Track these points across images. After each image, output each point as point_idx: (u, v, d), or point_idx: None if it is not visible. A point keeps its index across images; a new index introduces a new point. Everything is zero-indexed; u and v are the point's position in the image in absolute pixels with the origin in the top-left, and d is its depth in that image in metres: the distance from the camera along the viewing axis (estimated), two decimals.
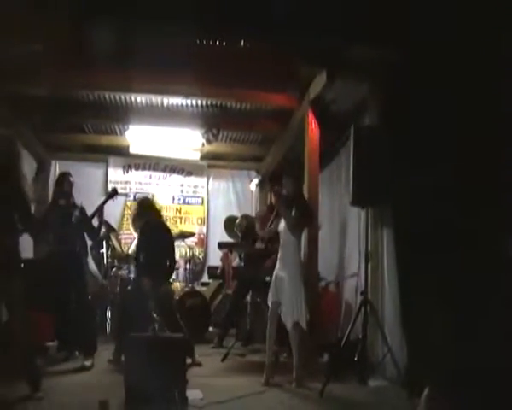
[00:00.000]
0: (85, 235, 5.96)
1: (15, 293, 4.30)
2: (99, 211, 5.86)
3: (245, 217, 7.80)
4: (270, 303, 5.24)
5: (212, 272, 9.19)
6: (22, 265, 4.56)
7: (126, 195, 10.09)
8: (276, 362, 5.46)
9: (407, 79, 5.11)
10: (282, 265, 5.21)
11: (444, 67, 4.68)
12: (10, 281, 4.25)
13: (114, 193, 6.10)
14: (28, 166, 8.42)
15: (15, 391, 4.37)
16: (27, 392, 4.30)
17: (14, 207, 4.30)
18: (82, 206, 5.89)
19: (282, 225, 5.26)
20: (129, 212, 9.70)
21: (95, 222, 5.93)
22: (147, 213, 6.21)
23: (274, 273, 5.28)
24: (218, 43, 6.02)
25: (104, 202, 5.91)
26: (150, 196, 8.04)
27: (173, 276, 8.00)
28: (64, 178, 6.02)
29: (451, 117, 4.57)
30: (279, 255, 5.29)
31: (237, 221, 7.98)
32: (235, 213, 9.46)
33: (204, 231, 10.32)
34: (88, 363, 5.50)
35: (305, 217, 5.33)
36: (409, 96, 5.08)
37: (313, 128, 6.51)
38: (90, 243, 6.31)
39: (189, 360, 5.71)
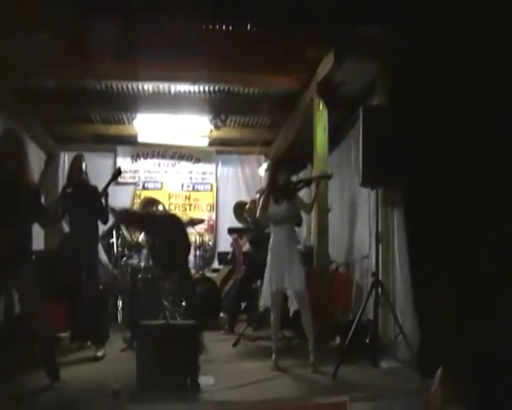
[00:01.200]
0: (98, 218, 5.92)
1: (27, 286, 4.33)
2: (104, 192, 5.80)
3: (254, 202, 7.76)
4: (271, 294, 5.17)
5: (223, 258, 9.19)
6: (33, 257, 4.58)
7: (135, 184, 10.10)
8: (287, 347, 5.46)
9: (416, 57, 5.04)
10: (287, 247, 5.16)
11: (453, 45, 4.61)
12: (21, 274, 4.27)
13: (118, 173, 5.99)
14: (37, 159, 8.47)
15: (34, 381, 4.42)
16: (47, 382, 4.36)
17: (23, 200, 4.30)
18: (94, 186, 5.86)
19: (283, 208, 5.21)
20: (138, 201, 9.72)
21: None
22: None
23: (273, 259, 5.21)
24: (224, 27, 5.96)
25: (109, 183, 5.81)
26: None
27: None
28: (75, 160, 5.97)
29: (461, 96, 4.50)
30: (280, 239, 5.21)
31: (247, 206, 7.95)
32: (245, 198, 9.42)
33: (213, 217, 10.32)
34: (100, 353, 5.51)
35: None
36: (418, 75, 5.02)
37: (321, 110, 6.46)
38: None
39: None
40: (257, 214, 5.40)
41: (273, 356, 5.21)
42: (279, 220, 5.21)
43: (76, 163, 5.93)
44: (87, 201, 5.69)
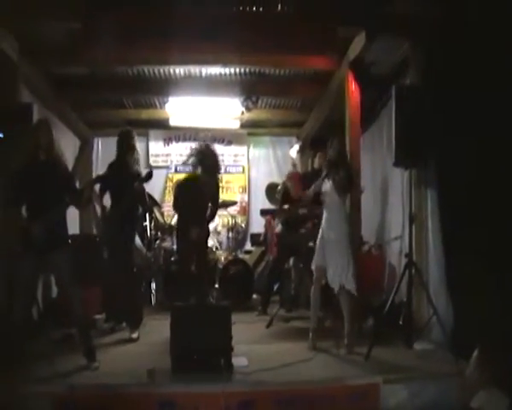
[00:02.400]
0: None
1: (63, 269, 4.44)
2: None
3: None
4: (314, 267, 5.19)
5: (255, 239, 9.22)
6: (69, 240, 4.68)
7: (167, 167, 10.15)
8: (320, 327, 5.46)
9: (449, 35, 4.94)
10: (328, 227, 5.14)
11: (487, 20, 4.50)
12: (58, 257, 4.38)
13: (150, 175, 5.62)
14: (72, 145, 8.61)
15: (72, 362, 4.52)
16: (84, 363, 4.48)
17: (58, 186, 4.41)
18: (138, 171, 5.79)
19: (327, 186, 5.18)
20: (171, 184, 9.79)
21: None
22: None
23: (319, 236, 5.21)
24: (254, 8, 5.92)
25: (143, 182, 5.64)
26: None
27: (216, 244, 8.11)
28: (120, 136, 5.92)
29: (496, 73, 4.40)
30: (324, 217, 5.22)
31: (278, 188, 7.94)
32: (277, 179, 9.40)
33: (246, 199, 10.31)
34: (134, 335, 5.61)
35: (351, 179, 5.27)
36: (451, 53, 4.92)
37: (353, 90, 6.37)
38: None
39: None
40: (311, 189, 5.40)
41: (310, 335, 5.22)
42: (327, 197, 5.21)
43: (120, 140, 5.91)
44: (129, 184, 5.50)
